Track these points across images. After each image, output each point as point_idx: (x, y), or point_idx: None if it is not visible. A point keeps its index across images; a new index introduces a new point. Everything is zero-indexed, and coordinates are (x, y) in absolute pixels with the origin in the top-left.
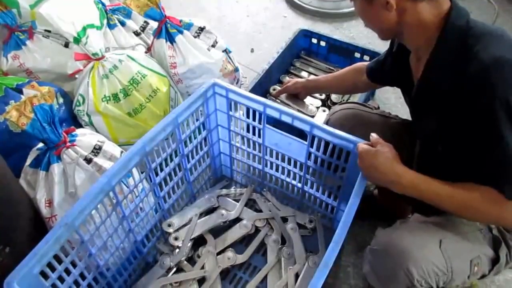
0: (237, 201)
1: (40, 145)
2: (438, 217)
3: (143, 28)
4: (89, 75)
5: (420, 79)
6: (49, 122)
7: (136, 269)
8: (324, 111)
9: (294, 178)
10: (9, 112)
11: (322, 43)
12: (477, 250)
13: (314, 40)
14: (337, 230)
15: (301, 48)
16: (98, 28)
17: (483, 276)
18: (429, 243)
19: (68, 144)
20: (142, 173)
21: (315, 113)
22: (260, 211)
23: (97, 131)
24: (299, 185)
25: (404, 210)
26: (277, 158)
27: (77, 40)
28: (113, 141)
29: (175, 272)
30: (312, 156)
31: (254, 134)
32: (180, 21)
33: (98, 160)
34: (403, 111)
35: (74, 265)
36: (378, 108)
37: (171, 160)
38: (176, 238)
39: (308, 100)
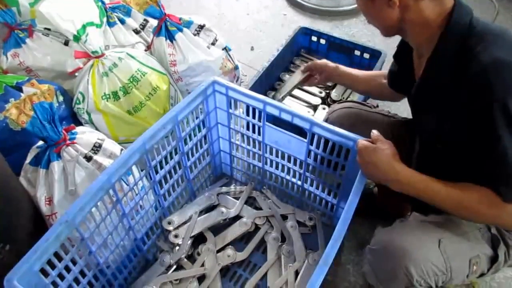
0: (237, 199)
1: (40, 143)
2: (437, 216)
3: (143, 26)
4: (89, 73)
5: (421, 77)
6: (49, 120)
7: (136, 266)
8: (323, 108)
9: (294, 176)
10: (9, 110)
11: (322, 41)
12: (476, 249)
13: (314, 38)
14: (337, 227)
15: (301, 46)
16: (98, 26)
17: (481, 275)
18: (428, 243)
19: (68, 142)
20: (142, 171)
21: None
22: (260, 208)
23: (97, 129)
24: (299, 182)
25: (403, 208)
26: (277, 156)
27: (76, 38)
28: (113, 139)
29: (175, 270)
30: (312, 154)
31: (254, 132)
32: (180, 19)
33: (98, 158)
34: (402, 109)
35: (74, 262)
36: (377, 106)
37: (171, 158)
38: (176, 236)
39: (308, 97)
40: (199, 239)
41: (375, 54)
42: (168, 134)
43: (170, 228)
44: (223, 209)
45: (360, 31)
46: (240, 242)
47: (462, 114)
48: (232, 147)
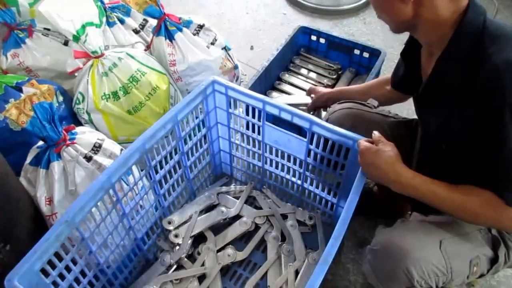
0: (237, 198)
1: (40, 143)
2: (437, 217)
3: (142, 26)
4: (88, 73)
5: (430, 75)
6: (49, 120)
7: (136, 266)
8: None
9: (294, 175)
10: (9, 110)
11: (322, 40)
12: (477, 250)
13: (314, 37)
14: (336, 226)
15: (301, 45)
16: (97, 26)
17: (481, 276)
18: (429, 244)
19: (68, 142)
20: (142, 170)
21: None
22: (260, 208)
23: (97, 129)
24: (299, 182)
25: (403, 207)
26: (276, 155)
27: (76, 38)
28: (113, 139)
29: (175, 269)
30: (312, 153)
31: (253, 131)
32: (180, 18)
33: (98, 158)
34: (402, 108)
35: (74, 262)
36: (378, 106)
37: (171, 157)
38: (176, 235)
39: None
40: (199, 239)
41: (375, 53)
42: (168, 133)
43: (170, 227)
44: (223, 209)
45: (359, 30)
46: (240, 241)
47: (471, 114)
48: (232, 146)
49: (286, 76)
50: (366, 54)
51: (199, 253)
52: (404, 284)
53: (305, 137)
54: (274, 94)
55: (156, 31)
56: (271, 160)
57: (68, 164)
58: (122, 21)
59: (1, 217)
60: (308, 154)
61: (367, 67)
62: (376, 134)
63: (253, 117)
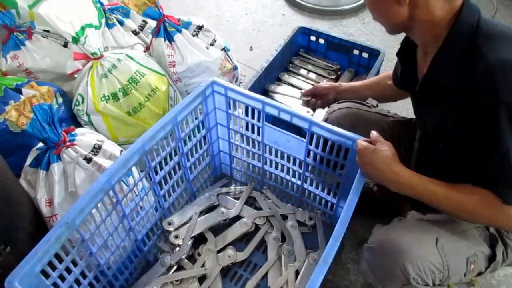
0: (237, 199)
1: (40, 144)
2: (435, 215)
3: (142, 27)
4: (88, 75)
5: (425, 75)
6: (49, 121)
7: (137, 267)
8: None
9: (294, 176)
10: (9, 112)
11: (321, 41)
12: (474, 248)
13: (313, 38)
14: (336, 226)
15: (300, 46)
16: (97, 28)
17: (479, 274)
18: (425, 241)
19: (68, 143)
20: (141, 172)
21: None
22: (260, 208)
23: (96, 131)
24: (299, 182)
25: (403, 207)
26: (276, 156)
27: (75, 40)
28: (112, 140)
29: (175, 270)
30: (311, 154)
31: (253, 132)
32: (179, 20)
33: (98, 159)
34: (402, 108)
35: (75, 264)
36: (377, 106)
37: (171, 158)
38: (176, 237)
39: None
40: (199, 240)
41: (374, 53)
42: (167, 135)
43: (171, 228)
44: (223, 210)
45: (358, 30)
46: (240, 242)
47: (466, 113)
48: (231, 147)
49: (286, 77)
50: (365, 54)
51: (199, 254)
52: (401, 282)
53: (305, 138)
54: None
55: (155, 33)
56: (270, 161)
57: (68, 165)
58: (121, 23)
59: (1, 219)
60: (308, 155)
61: (366, 67)
62: (374, 133)
63: (253, 117)
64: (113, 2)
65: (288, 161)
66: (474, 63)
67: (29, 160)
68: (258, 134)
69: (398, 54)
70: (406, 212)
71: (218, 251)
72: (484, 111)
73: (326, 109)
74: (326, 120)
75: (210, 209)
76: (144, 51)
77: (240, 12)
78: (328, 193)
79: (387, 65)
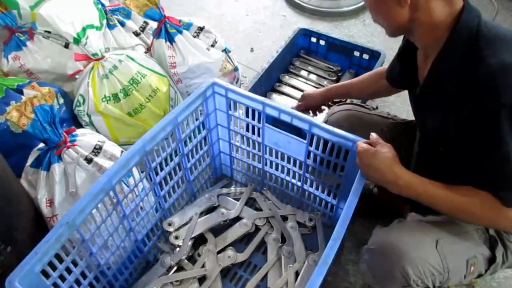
0: (237, 200)
1: (41, 145)
2: (435, 217)
3: (143, 28)
4: (89, 75)
5: (426, 77)
6: (50, 122)
7: (137, 268)
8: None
9: (294, 177)
10: (10, 113)
11: (322, 42)
12: (474, 250)
13: (314, 39)
14: (336, 228)
15: (301, 47)
16: (98, 29)
17: (479, 276)
18: (425, 243)
19: (69, 144)
20: (142, 172)
21: None
22: (260, 209)
23: (97, 131)
24: (299, 183)
25: (403, 208)
26: (276, 157)
27: (76, 41)
28: (113, 141)
29: (175, 271)
30: (312, 155)
31: (253, 133)
32: (180, 21)
33: (98, 160)
34: (402, 109)
35: (75, 264)
36: (377, 108)
37: (171, 159)
38: (176, 237)
39: None
40: (199, 241)
41: (374, 55)
42: (168, 135)
43: (171, 229)
44: (224, 210)
45: (359, 32)
46: (240, 243)
47: (467, 116)
48: (232, 148)
49: (286, 78)
50: (366, 56)
51: (199, 255)
52: (400, 284)
53: (305, 139)
54: (274, 96)
55: (157, 34)
56: (271, 162)
57: (68, 166)
58: (122, 24)
59: (2, 219)
60: (308, 156)
61: (367, 68)
62: (373, 135)
63: (253, 119)
64: (114, 3)
65: (288, 162)
66: (475, 66)
67: (30, 161)
68: (259, 135)
69: (399, 56)
70: (406, 214)
71: (218, 252)
72: (485, 114)
73: (327, 110)
74: (326, 122)
75: (210, 210)
76: (145, 52)
77: (241, 13)
78: (328, 194)
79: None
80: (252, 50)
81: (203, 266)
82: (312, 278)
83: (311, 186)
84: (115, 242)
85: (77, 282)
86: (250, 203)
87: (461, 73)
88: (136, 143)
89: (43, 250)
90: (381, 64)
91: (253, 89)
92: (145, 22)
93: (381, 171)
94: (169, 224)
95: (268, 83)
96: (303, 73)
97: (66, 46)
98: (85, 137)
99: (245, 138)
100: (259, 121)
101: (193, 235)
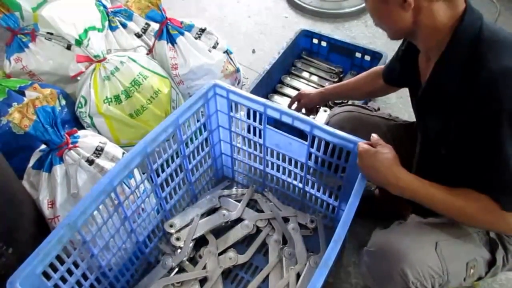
0: (239, 201)
1: (43, 146)
2: (435, 219)
3: (145, 30)
4: (91, 77)
5: (428, 80)
6: (51, 124)
7: (138, 269)
8: (325, 111)
9: (295, 178)
10: (12, 114)
11: (323, 43)
12: (474, 253)
13: (315, 40)
14: (337, 229)
15: (302, 48)
16: (100, 30)
17: (479, 279)
18: (424, 245)
19: (70, 145)
20: (143, 174)
21: None
22: (262, 211)
23: (99, 133)
24: (300, 185)
25: (404, 210)
26: (278, 159)
27: (78, 42)
28: (115, 142)
29: (177, 272)
30: (313, 156)
31: (255, 134)
32: (181, 22)
33: (100, 161)
34: (404, 111)
35: (76, 265)
36: (379, 109)
37: (173, 161)
38: (177, 239)
39: None
40: (200, 242)
41: (376, 56)
42: (169, 137)
43: (172, 230)
44: (225, 212)
45: (361, 33)
46: (241, 244)
47: (468, 119)
48: (233, 150)
49: (288, 79)
50: (367, 57)
51: (200, 256)
52: (399, 286)
53: (306, 140)
54: (276, 97)
55: (158, 35)
56: (272, 163)
57: (70, 167)
58: (124, 25)
59: (3, 220)
60: (309, 157)
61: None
62: (374, 136)
63: (254, 120)
64: (116, 5)
65: (290, 163)
66: (478, 70)
67: (31, 162)
68: (260, 137)
69: (399, 58)
70: (407, 215)
71: (219, 254)
72: (486, 118)
73: (328, 112)
74: (327, 124)
75: (212, 211)
76: (147, 54)
77: (243, 14)
78: (330, 196)
79: None
80: (253, 51)
81: (204, 267)
82: (313, 280)
83: (312, 187)
84: (116, 244)
85: (78, 283)
86: (252, 204)
87: (463, 77)
88: (137, 144)
89: (44, 252)
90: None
91: (254, 91)
92: (146, 23)
93: (382, 172)
94: (171, 226)
95: (270, 84)
96: (305, 74)
97: (68, 47)
98: (87, 139)
99: (246, 139)
100: (260, 123)
101: (194, 237)
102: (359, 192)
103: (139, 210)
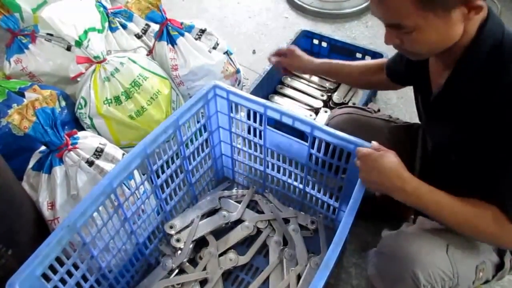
0: (239, 202)
1: (43, 148)
2: None
3: (145, 31)
4: (91, 78)
5: (444, 86)
6: (51, 125)
7: (138, 270)
8: (325, 112)
9: (296, 179)
10: (12, 116)
11: (324, 44)
12: (483, 256)
13: (316, 41)
14: (338, 230)
15: (303, 49)
16: (100, 31)
17: (486, 282)
18: (436, 248)
19: (70, 147)
20: (143, 175)
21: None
22: (262, 212)
23: (99, 134)
24: (301, 186)
25: (406, 212)
26: (278, 160)
27: (78, 44)
28: (115, 144)
29: (177, 274)
30: (313, 157)
31: (255, 135)
32: (181, 23)
33: (100, 162)
34: (405, 111)
35: (76, 267)
36: (379, 110)
37: (173, 162)
38: (178, 240)
39: (310, 100)
40: (201, 243)
41: (377, 57)
42: (169, 138)
43: (172, 232)
44: (225, 213)
45: (361, 34)
46: (242, 245)
47: (485, 126)
48: (233, 151)
49: (288, 80)
50: (368, 58)
51: (201, 258)
52: None
53: (307, 142)
54: (276, 98)
55: (158, 36)
56: (272, 164)
57: (70, 168)
58: (124, 26)
59: (3, 222)
60: (310, 158)
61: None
62: (374, 144)
63: (255, 121)
64: (116, 6)
65: (290, 164)
66: (498, 78)
67: (31, 163)
68: (260, 138)
69: (406, 64)
70: (409, 217)
71: (220, 255)
72: (504, 127)
73: (328, 113)
74: (326, 125)
75: (212, 212)
76: (147, 55)
77: (243, 15)
78: (330, 197)
79: None
80: (254, 52)
81: (204, 269)
82: (314, 281)
83: (313, 188)
84: (116, 245)
85: (78, 285)
86: (252, 205)
87: (484, 84)
88: (137, 145)
89: (44, 253)
90: None
91: (255, 91)
92: (147, 24)
93: (387, 176)
94: (171, 227)
95: (270, 85)
96: (305, 75)
97: (68, 49)
98: (87, 140)
99: (246, 140)
100: (260, 124)
101: (194, 238)
102: (360, 194)
103: (139, 212)
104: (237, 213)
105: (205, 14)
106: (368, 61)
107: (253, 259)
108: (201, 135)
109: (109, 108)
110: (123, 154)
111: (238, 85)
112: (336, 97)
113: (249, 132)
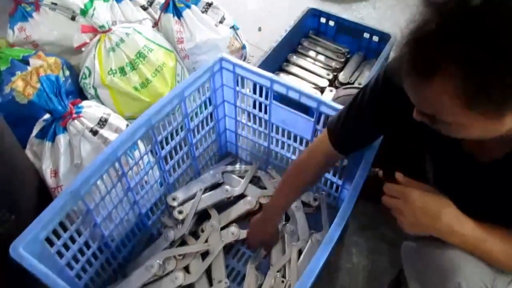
0: (242, 178)
1: (46, 116)
2: None
3: (151, 3)
4: (95, 48)
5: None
6: (56, 92)
7: (140, 241)
8: (331, 91)
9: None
10: (15, 82)
11: (331, 23)
12: None
13: (323, 20)
14: (341, 208)
15: (310, 28)
16: (105, 1)
17: None
18: (481, 262)
19: (74, 115)
20: (147, 146)
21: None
22: (265, 188)
23: (103, 104)
24: None
25: None
26: (283, 136)
27: (84, 12)
28: (119, 115)
29: (178, 245)
30: (318, 134)
31: (260, 110)
32: None
33: (104, 132)
34: None
35: (79, 234)
36: None
37: (177, 134)
38: (180, 212)
39: (315, 79)
40: (203, 217)
41: (384, 38)
42: (174, 110)
43: (175, 204)
44: (228, 187)
45: (369, 15)
46: (244, 220)
47: None
48: (238, 125)
49: (294, 58)
50: (375, 38)
51: (202, 230)
52: None
53: (312, 117)
54: (282, 75)
55: (164, 8)
56: (277, 140)
57: (74, 137)
58: None
59: (7, 188)
60: (315, 134)
61: (376, 51)
62: (401, 176)
63: (261, 95)
64: None
65: (295, 141)
66: None
67: (35, 131)
68: (266, 113)
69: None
70: None
71: (222, 228)
72: None
73: (334, 92)
74: None
75: (215, 186)
76: (153, 27)
77: None
78: (334, 175)
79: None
80: (260, 29)
81: (206, 241)
82: (316, 255)
83: None
84: (119, 214)
85: (81, 251)
86: (255, 181)
87: None
88: (142, 115)
89: (47, 218)
90: (391, 47)
91: (260, 68)
92: None
93: (440, 219)
94: (173, 199)
95: (276, 62)
96: (311, 53)
97: (73, 18)
98: (91, 109)
99: (251, 115)
100: (266, 98)
101: (196, 211)
102: (364, 173)
103: (143, 182)
104: (239, 188)
105: None
106: (295, 164)
107: None
108: (206, 108)
109: (113, 79)
110: (127, 125)
111: (244, 61)
112: (342, 76)
113: (254, 107)
